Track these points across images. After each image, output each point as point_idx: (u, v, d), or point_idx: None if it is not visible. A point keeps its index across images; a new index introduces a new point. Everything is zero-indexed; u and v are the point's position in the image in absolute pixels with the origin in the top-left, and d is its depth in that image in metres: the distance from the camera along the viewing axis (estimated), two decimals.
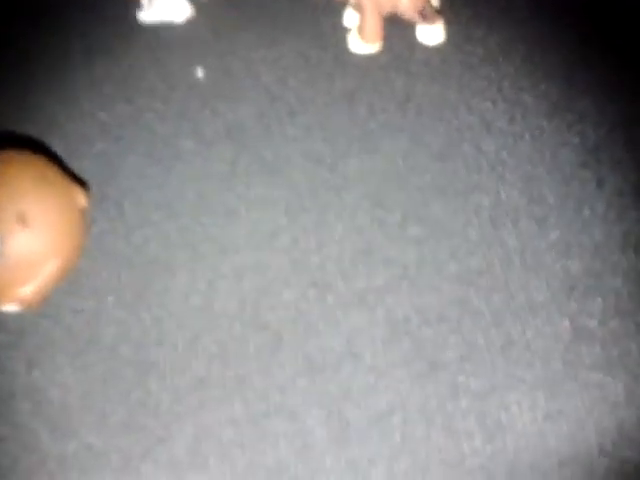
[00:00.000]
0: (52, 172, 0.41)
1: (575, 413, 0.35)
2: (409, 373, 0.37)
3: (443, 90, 0.46)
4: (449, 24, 0.48)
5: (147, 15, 0.49)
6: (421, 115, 0.46)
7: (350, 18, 0.48)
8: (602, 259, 0.40)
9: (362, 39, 0.47)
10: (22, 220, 0.38)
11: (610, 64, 0.46)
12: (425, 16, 0.45)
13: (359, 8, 0.47)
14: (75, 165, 0.45)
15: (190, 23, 0.49)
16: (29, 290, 0.39)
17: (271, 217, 0.43)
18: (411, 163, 0.44)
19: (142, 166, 0.45)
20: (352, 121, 0.46)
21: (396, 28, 0.48)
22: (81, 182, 0.44)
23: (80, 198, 0.41)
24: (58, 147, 0.46)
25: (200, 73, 0.49)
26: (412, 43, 0.48)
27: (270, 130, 0.46)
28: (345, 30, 0.48)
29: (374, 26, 0.46)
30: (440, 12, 0.47)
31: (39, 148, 0.45)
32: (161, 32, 0.49)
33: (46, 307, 0.41)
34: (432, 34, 0.47)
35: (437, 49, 0.48)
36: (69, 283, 0.41)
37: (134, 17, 0.49)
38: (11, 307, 0.40)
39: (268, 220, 0.43)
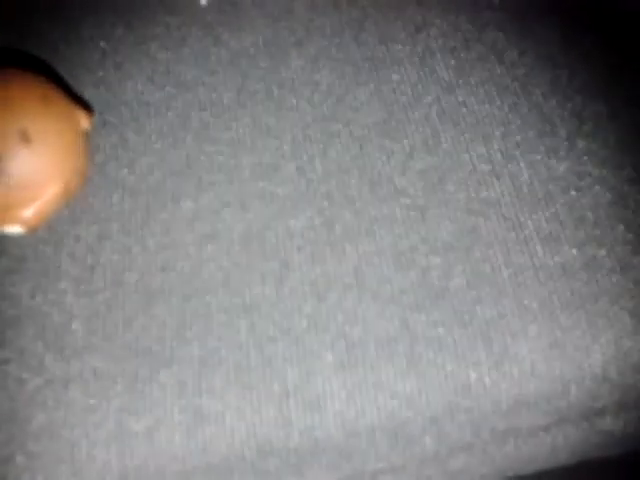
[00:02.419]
0: (55, 93, 0.40)
1: (581, 341, 0.36)
2: (416, 300, 0.37)
3: (455, 19, 0.45)
4: None
5: None
6: (432, 45, 0.45)
7: None
8: (613, 191, 0.39)
9: None
10: (24, 138, 0.38)
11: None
12: None
13: None
14: (76, 91, 0.44)
15: None
16: (31, 212, 0.39)
17: (277, 146, 0.43)
18: (420, 93, 0.43)
19: (144, 93, 0.45)
20: (360, 51, 0.45)
21: None
22: (84, 105, 0.43)
23: (83, 121, 0.41)
24: (59, 72, 0.45)
25: (203, 0, 0.48)
26: None
27: (276, 59, 0.46)
28: None
29: None
30: None
31: (43, 69, 0.45)
32: None
33: (49, 233, 0.41)
34: None
35: None
36: (72, 210, 0.41)
37: None
38: (13, 229, 0.39)
39: (274, 149, 0.42)
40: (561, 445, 0.38)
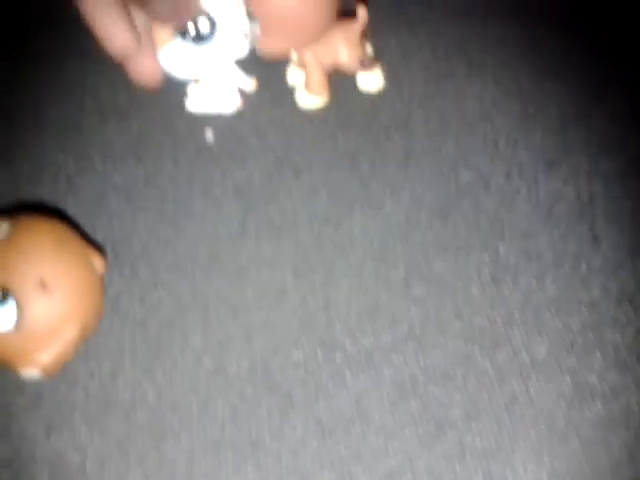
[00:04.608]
0: (70, 237, 0.42)
1: (579, 471, 0.36)
2: (417, 433, 0.38)
3: (441, 147, 0.48)
4: (445, 77, 0.49)
5: (194, 105, 0.49)
6: (421, 172, 0.47)
7: (294, 76, 0.50)
8: (600, 314, 0.41)
9: (310, 93, 0.49)
10: (42, 286, 0.39)
11: (605, 116, 0.48)
12: (365, 65, 0.48)
13: (302, 65, 0.49)
14: (89, 226, 0.46)
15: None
16: (49, 356, 0.40)
17: (280, 276, 0.44)
18: (413, 220, 0.45)
19: (154, 226, 0.46)
20: (355, 180, 0.47)
21: (394, 87, 0.50)
22: (98, 247, 0.45)
23: (98, 263, 0.42)
24: (72, 208, 0.47)
25: (209, 135, 0.51)
26: (410, 103, 0.50)
27: (277, 190, 0.47)
28: (347, 91, 0.50)
29: (319, 80, 0.48)
30: (376, 59, 0.50)
31: (54, 211, 0.47)
32: (171, 96, 0.50)
33: (64, 370, 0.42)
34: (372, 80, 0.50)
35: (434, 108, 0.49)
36: (86, 345, 0.42)
37: None
38: (31, 373, 0.40)
39: (277, 279, 0.44)
40: None
